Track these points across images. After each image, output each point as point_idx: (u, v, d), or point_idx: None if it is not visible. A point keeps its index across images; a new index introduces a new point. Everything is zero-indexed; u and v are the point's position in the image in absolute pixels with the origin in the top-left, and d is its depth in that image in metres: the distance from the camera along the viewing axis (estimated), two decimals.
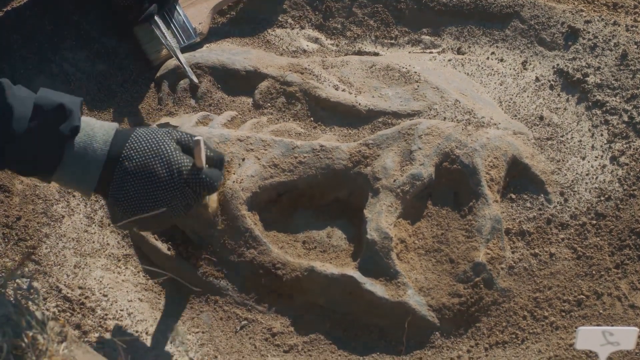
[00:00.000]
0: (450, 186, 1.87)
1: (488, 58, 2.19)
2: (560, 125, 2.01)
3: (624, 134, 1.96)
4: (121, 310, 1.80)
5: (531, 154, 1.93)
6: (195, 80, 2.08)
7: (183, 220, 1.81)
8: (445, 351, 1.78)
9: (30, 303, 1.40)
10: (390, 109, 1.98)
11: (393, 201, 1.82)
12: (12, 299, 1.39)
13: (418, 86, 2.02)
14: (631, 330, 1.50)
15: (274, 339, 1.79)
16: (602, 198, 1.89)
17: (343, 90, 2.04)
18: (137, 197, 1.51)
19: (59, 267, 1.83)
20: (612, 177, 1.91)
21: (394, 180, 1.83)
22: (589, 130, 2.00)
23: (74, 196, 1.96)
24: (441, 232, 1.84)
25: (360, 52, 2.26)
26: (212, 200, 1.79)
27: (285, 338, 1.80)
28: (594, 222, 1.87)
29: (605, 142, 1.97)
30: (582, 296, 1.80)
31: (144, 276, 1.88)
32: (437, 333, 1.78)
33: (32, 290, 1.43)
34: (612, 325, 1.75)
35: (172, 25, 2.19)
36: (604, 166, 1.93)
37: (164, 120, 2.05)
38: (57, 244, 1.87)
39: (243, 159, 1.87)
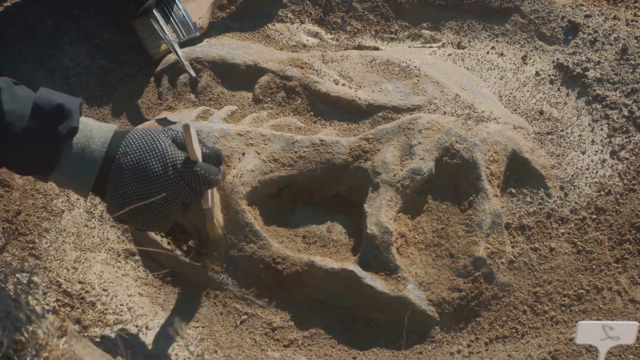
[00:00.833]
0: (450, 181, 1.87)
1: (488, 52, 2.19)
2: (561, 120, 2.01)
3: (624, 129, 1.96)
4: (121, 304, 1.80)
5: (531, 148, 1.93)
6: (193, 73, 2.07)
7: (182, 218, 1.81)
8: (446, 346, 1.78)
9: (30, 298, 1.40)
10: (390, 103, 1.98)
11: (393, 196, 1.82)
12: (12, 293, 1.39)
13: (418, 81, 2.02)
14: (631, 325, 1.50)
15: (274, 334, 1.79)
16: (602, 192, 1.89)
17: (343, 84, 2.04)
18: (132, 193, 1.50)
19: (59, 261, 1.83)
20: (612, 171, 1.91)
21: (394, 175, 1.83)
22: (589, 124, 2.00)
23: None
24: (441, 227, 1.84)
25: (360, 47, 2.26)
26: (218, 214, 1.79)
27: (285, 333, 1.80)
28: (594, 216, 1.87)
29: (605, 136, 1.97)
30: (582, 291, 1.80)
31: (144, 271, 1.88)
32: (437, 327, 1.78)
33: (32, 285, 1.42)
34: (612, 320, 1.75)
35: (171, 19, 2.19)
36: (604, 160, 1.93)
37: (163, 114, 2.05)
38: (57, 238, 1.87)
39: (243, 154, 1.87)
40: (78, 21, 2.21)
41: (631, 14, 2.15)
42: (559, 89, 2.07)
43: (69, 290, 1.77)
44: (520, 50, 2.18)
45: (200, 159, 1.57)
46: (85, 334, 1.70)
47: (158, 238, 1.85)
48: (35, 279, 1.46)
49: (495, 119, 1.94)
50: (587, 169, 1.92)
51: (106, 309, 1.78)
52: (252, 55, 2.12)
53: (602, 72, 2.05)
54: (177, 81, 2.11)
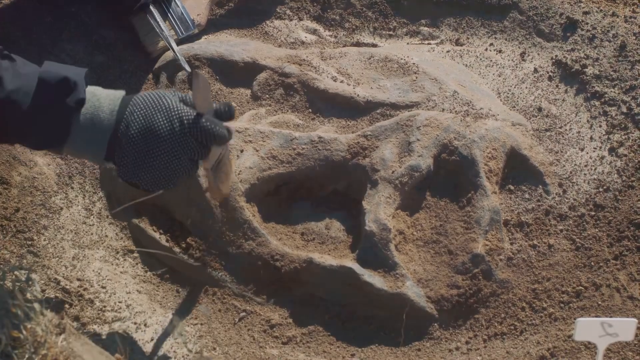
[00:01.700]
0: (449, 177, 1.87)
1: (486, 49, 2.19)
2: (559, 117, 2.01)
3: (623, 125, 1.96)
4: (120, 302, 1.80)
5: (530, 145, 1.93)
6: (188, 68, 2.07)
7: (183, 209, 1.81)
8: (444, 342, 1.78)
9: (28, 295, 1.40)
10: (388, 100, 1.98)
11: (391, 192, 1.82)
12: (10, 290, 1.39)
13: (416, 77, 2.02)
14: (630, 322, 1.50)
15: (272, 331, 1.79)
16: (601, 189, 1.89)
17: (341, 81, 2.04)
18: (139, 150, 1.49)
19: (57, 259, 1.83)
20: (610, 168, 1.91)
21: (393, 172, 1.83)
22: (588, 121, 2.00)
23: (72, 188, 1.96)
24: (440, 224, 1.84)
25: (358, 44, 2.25)
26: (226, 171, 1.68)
27: (283, 329, 1.80)
28: (593, 213, 1.87)
29: (604, 133, 1.97)
30: (580, 287, 1.80)
31: (142, 268, 1.88)
32: (435, 324, 1.78)
33: (30, 282, 1.42)
34: (611, 317, 1.75)
35: (169, 16, 2.19)
36: (603, 157, 1.93)
37: None
38: (56, 235, 1.87)
39: (241, 151, 1.86)
40: (76, 18, 2.21)
41: (629, 10, 2.15)
42: (557, 86, 2.07)
43: (68, 287, 1.77)
44: (519, 47, 2.18)
45: (205, 111, 1.52)
46: (84, 331, 1.70)
47: (157, 235, 1.85)
48: (33, 276, 1.46)
49: (493, 115, 1.94)
50: (585, 166, 1.92)
51: (105, 306, 1.78)
52: (250, 52, 2.12)
53: (601, 68, 2.05)
54: (175, 78, 2.11)
